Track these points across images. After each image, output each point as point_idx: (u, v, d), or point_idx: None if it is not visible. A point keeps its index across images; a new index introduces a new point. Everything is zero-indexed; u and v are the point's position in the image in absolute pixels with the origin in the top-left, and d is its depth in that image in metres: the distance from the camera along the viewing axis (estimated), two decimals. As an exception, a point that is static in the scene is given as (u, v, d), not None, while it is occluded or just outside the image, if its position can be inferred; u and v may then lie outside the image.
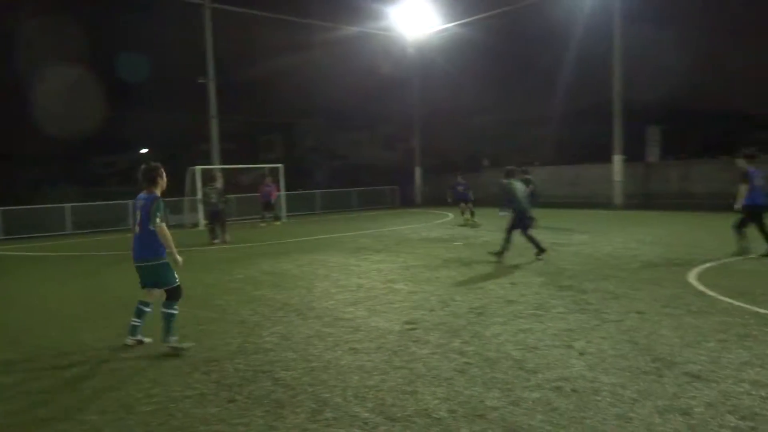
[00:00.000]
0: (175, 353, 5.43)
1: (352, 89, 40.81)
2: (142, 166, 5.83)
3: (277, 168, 23.71)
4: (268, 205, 20.95)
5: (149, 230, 5.51)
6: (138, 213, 5.61)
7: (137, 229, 5.61)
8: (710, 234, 13.13)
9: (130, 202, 23.15)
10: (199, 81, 24.36)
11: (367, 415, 3.96)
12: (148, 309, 5.77)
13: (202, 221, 19.46)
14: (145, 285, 5.76)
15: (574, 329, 5.82)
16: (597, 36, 27.85)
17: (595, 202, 23.79)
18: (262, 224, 20.53)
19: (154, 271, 5.61)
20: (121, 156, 49.62)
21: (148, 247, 5.56)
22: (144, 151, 50.15)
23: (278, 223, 21.52)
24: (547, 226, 16.35)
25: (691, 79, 33.07)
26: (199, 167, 21.47)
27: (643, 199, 23.23)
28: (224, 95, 25.32)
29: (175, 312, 5.57)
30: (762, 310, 6.22)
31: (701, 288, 7.46)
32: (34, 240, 18.66)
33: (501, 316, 6.42)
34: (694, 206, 20.23)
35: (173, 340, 5.53)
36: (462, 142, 37.13)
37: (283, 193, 23.68)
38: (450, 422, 3.79)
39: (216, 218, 15.63)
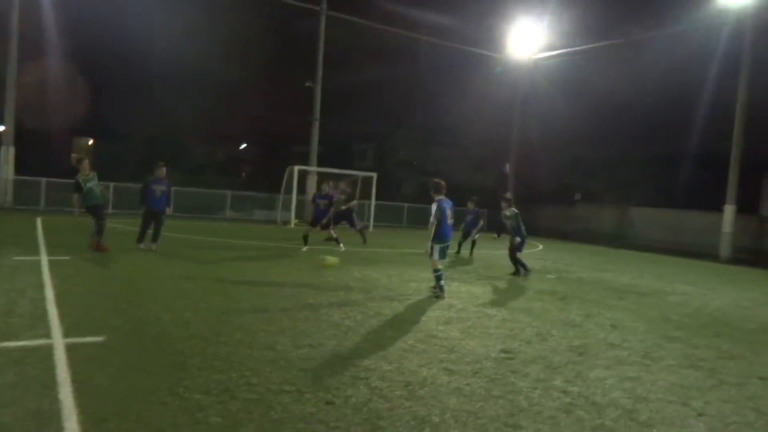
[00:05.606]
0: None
1: (449, 107, 40.75)
2: (435, 180, 9.19)
3: (370, 177, 24.00)
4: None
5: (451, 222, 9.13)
6: (449, 212, 8.98)
7: (451, 221, 9.05)
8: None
9: (229, 192, 24.28)
10: (307, 85, 25.19)
11: (469, 441, 3.78)
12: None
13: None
14: (447, 256, 9.54)
15: (688, 386, 5.36)
16: (713, 77, 26.26)
17: (698, 252, 22.26)
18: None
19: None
20: (220, 148, 51.98)
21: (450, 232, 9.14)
22: (243, 146, 52.47)
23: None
24: (647, 270, 15.49)
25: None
26: (297, 167, 22.10)
27: (754, 256, 21.50)
28: (323, 100, 25.89)
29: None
30: None
31: (834, 362, 6.69)
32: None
33: (604, 359, 6.04)
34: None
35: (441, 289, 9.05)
36: (554, 174, 36.06)
37: (373, 202, 23.91)
38: (559, 465, 3.55)
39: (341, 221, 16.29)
